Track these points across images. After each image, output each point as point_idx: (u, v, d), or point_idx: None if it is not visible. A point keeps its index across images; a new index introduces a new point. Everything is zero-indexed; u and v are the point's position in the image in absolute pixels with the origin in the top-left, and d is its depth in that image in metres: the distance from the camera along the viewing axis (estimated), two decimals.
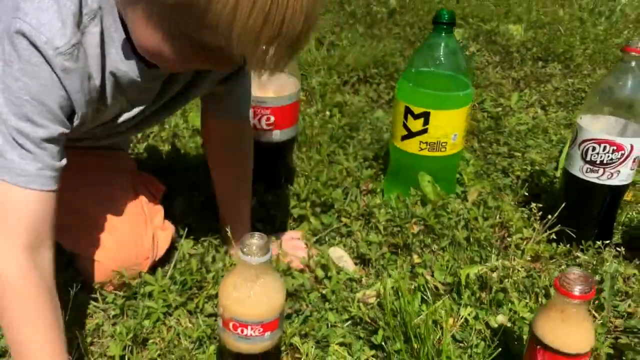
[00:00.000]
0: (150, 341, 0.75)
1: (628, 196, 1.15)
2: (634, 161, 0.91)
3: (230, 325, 0.68)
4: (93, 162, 0.87)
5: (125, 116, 0.74)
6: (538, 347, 0.63)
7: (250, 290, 0.67)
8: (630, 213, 1.09)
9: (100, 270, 0.82)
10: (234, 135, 0.87)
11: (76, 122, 0.66)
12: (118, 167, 0.92)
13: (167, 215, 0.91)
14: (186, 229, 0.93)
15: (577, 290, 0.59)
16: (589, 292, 0.59)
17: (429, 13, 2.69)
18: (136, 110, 0.74)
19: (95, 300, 0.82)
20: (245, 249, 0.65)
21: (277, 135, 1.04)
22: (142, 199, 0.88)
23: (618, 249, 0.95)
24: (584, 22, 2.76)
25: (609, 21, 2.83)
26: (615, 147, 0.89)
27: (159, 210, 0.90)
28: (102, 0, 0.62)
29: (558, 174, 1.22)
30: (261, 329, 0.68)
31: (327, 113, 1.53)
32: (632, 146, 0.89)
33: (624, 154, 0.90)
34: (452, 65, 0.99)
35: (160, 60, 0.62)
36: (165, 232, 0.88)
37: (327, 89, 1.69)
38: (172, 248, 0.89)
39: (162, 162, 1.18)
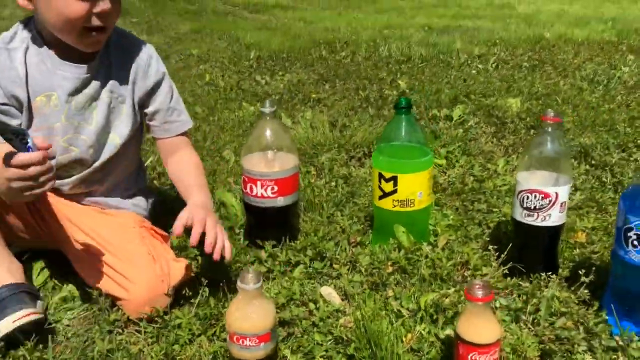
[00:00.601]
0: (178, 358, 0.99)
1: (581, 237, 1.35)
2: (561, 205, 1.13)
3: (234, 338, 0.92)
4: (102, 219, 1.17)
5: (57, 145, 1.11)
6: (458, 342, 0.85)
7: (247, 310, 0.91)
8: (577, 251, 1.29)
9: (131, 307, 1.08)
10: (174, 147, 1.27)
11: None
12: (125, 222, 1.20)
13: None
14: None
15: (479, 294, 0.81)
16: (488, 295, 0.81)
17: (437, 93, 2.99)
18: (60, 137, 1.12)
19: (139, 332, 1.07)
20: (242, 279, 0.90)
21: (281, 201, 1.31)
22: (148, 242, 1.15)
23: (560, 280, 1.15)
24: (583, 91, 3.00)
25: (607, 88, 3.05)
26: (543, 195, 1.12)
27: (167, 248, 1.18)
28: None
29: None
30: (257, 340, 0.91)
31: (333, 184, 1.80)
32: (556, 193, 1.11)
33: (551, 200, 1.12)
34: (412, 138, 1.25)
35: (66, 18, 1.02)
36: (179, 263, 1.14)
37: (335, 163, 1.97)
38: (193, 282, 1.15)
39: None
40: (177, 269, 1.15)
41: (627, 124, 2.28)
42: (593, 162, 1.92)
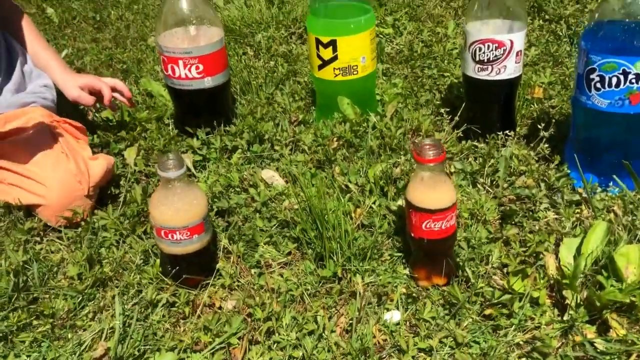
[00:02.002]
0: (105, 261, 0.89)
1: (539, 93, 1.26)
2: (517, 55, 1.02)
3: (162, 232, 0.81)
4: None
5: None
6: (410, 210, 0.76)
7: (172, 200, 0.79)
8: (535, 106, 1.20)
9: (48, 213, 0.95)
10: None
11: None
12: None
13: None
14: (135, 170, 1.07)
15: (429, 154, 0.71)
16: (439, 155, 0.71)
17: None
18: None
19: (60, 239, 0.95)
20: (161, 166, 0.78)
21: (209, 82, 1.16)
22: (61, 141, 1.00)
23: (518, 137, 1.06)
24: None
25: None
26: (497, 44, 1.00)
27: (83, 144, 1.04)
28: None
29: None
30: (188, 233, 0.81)
31: (272, 63, 1.64)
32: (511, 41, 1.00)
33: (505, 49, 1.00)
34: None
35: None
36: (98, 160, 1.01)
37: (273, 42, 1.80)
38: (118, 180, 1.04)
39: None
40: (96, 166, 1.01)
41: None
42: (547, 16, 1.80)
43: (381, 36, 1.79)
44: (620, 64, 0.84)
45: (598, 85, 0.87)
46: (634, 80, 0.84)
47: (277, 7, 2.14)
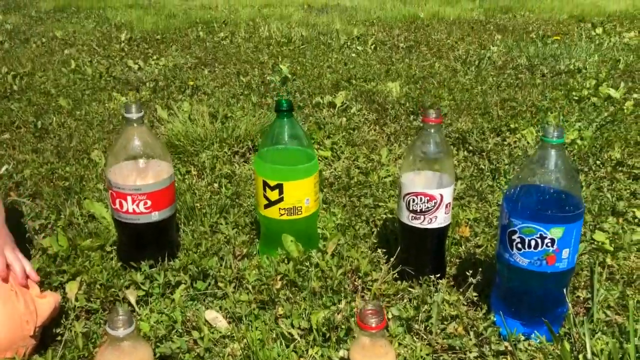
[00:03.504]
0: None
1: (464, 232, 1.36)
2: (446, 207, 1.12)
3: None
4: None
5: None
6: None
7: (120, 357, 0.80)
8: (462, 247, 1.30)
9: None
10: None
11: None
12: None
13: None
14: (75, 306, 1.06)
15: (372, 322, 0.77)
16: (380, 323, 0.77)
17: (319, 77, 2.95)
18: None
19: None
20: (111, 325, 0.79)
21: (156, 216, 1.19)
22: (11, 278, 0.99)
23: (449, 280, 1.14)
24: (457, 73, 3.10)
25: (479, 69, 3.18)
26: (428, 198, 1.10)
27: (31, 282, 1.02)
28: None
29: None
30: None
31: (216, 185, 1.70)
32: (441, 195, 1.10)
33: (436, 202, 1.10)
34: (296, 142, 1.18)
35: None
36: (46, 299, 1.00)
37: (217, 161, 1.86)
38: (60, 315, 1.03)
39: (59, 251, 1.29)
40: (44, 304, 1.00)
41: (499, 107, 2.38)
42: (470, 147, 1.98)
43: (320, 159, 1.89)
44: (537, 229, 0.95)
45: (519, 245, 0.97)
46: (549, 244, 0.95)
47: (220, 121, 2.22)
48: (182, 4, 6.49)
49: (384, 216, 1.46)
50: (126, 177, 1.17)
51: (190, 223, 1.41)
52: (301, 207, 1.18)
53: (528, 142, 1.98)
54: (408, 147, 1.11)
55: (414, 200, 1.11)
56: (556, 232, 0.95)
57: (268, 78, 2.98)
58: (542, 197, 0.96)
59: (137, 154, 1.18)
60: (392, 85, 2.76)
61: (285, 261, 1.18)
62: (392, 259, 1.18)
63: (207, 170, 1.78)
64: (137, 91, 2.82)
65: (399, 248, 1.18)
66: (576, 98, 2.53)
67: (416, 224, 1.13)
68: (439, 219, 1.12)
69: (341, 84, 2.84)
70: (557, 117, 2.23)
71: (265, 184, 1.17)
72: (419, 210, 1.11)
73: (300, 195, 1.17)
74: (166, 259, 1.20)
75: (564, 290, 1.01)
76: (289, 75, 2.99)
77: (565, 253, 0.96)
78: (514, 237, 0.98)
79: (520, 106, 2.38)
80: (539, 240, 0.95)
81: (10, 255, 1.02)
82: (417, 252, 1.17)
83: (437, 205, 1.11)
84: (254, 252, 1.28)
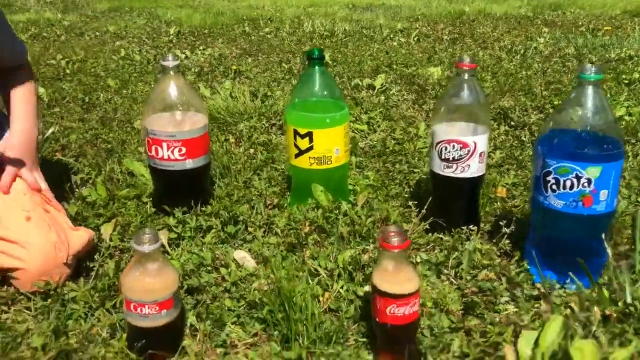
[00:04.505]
0: (71, 333, 0.89)
1: (501, 192, 1.33)
2: (480, 155, 1.09)
3: (132, 306, 0.82)
4: None
5: None
6: (375, 294, 0.79)
7: (144, 274, 0.81)
8: (498, 204, 1.27)
9: (25, 278, 0.96)
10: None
11: None
12: (14, 187, 1.07)
13: None
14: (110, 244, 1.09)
15: (393, 242, 0.76)
16: (403, 243, 0.76)
17: (359, 64, 2.95)
18: None
19: (28, 309, 0.95)
20: (137, 240, 0.81)
21: (190, 164, 1.21)
22: (42, 210, 1.03)
23: (482, 233, 1.12)
24: (501, 60, 3.04)
25: (524, 57, 3.11)
26: (461, 145, 1.08)
27: (63, 216, 1.07)
28: None
29: None
30: (157, 308, 0.82)
31: (252, 151, 1.71)
32: (475, 143, 1.08)
33: (469, 150, 1.08)
34: (327, 91, 1.18)
35: None
36: (78, 232, 1.03)
37: (254, 131, 1.88)
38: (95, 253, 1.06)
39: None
40: (76, 236, 1.04)
41: (543, 88, 2.32)
42: (512, 123, 1.93)
43: (356, 132, 1.88)
44: (573, 168, 0.91)
45: (554, 187, 0.94)
46: (585, 184, 0.91)
47: (260, 99, 2.25)
48: (230, 4, 6.62)
49: (418, 178, 1.44)
50: (162, 123, 1.19)
51: (225, 180, 1.43)
52: (331, 156, 1.18)
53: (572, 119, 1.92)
54: (441, 95, 1.10)
55: (446, 149, 1.09)
56: (593, 171, 0.91)
57: None
58: (578, 135, 0.93)
59: (173, 103, 1.20)
60: (434, 69, 2.73)
61: (315, 209, 1.18)
62: (423, 211, 1.16)
63: (245, 138, 1.80)
64: (182, 75, 2.88)
65: (429, 199, 1.16)
66: (626, 81, 2.44)
67: (448, 172, 1.11)
68: (472, 168, 1.10)
69: (381, 68, 2.83)
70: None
71: (295, 133, 1.18)
72: (451, 159, 1.09)
73: (330, 144, 1.17)
74: (199, 205, 1.22)
75: (603, 236, 0.97)
76: (330, 62, 3.00)
77: (603, 195, 0.93)
78: (548, 178, 0.95)
79: (565, 87, 2.31)
80: (575, 181, 0.92)
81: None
82: (449, 203, 1.15)
83: (470, 153, 1.08)
84: (285, 204, 1.28)
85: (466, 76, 1.08)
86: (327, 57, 3.06)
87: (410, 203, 1.21)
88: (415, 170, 1.51)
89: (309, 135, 1.16)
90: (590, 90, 0.92)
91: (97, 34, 4.42)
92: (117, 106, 2.19)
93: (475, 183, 1.13)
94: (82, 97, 2.32)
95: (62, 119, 2.03)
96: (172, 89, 1.20)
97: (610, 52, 3.13)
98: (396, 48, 3.46)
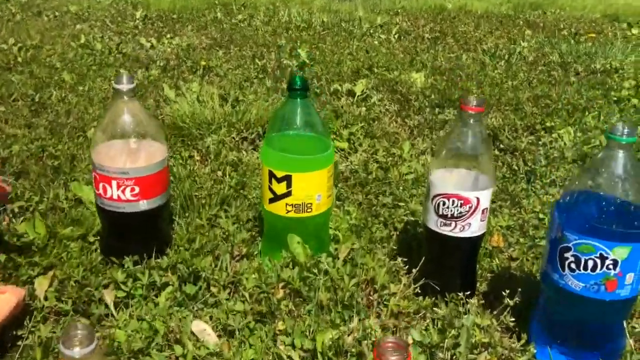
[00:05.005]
0: None
1: (498, 241, 1.19)
2: (483, 212, 0.95)
3: None
4: None
5: None
6: None
7: None
8: (497, 259, 1.13)
9: None
10: None
11: None
12: None
13: None
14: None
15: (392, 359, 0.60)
16: None
17: (338, 64, 2.78)
18: None
19: None
20: (65, 341, 0.63)
21: (144, 205, 1.03)
22: None
23: (479, 297, 0.98)
24: (485, 66, 2.91)
25: (509, 63, 2.98)
26: (462, 201, 0.93)
27: None
28: None
29: None
30: None
31: (219, 173, 1.54)
32: (477, 199, 0.93)
33: (471, 207, 0.93)
34: (310, 127, 1.01)
35: None
36: (5, 295, 0.86)
37: (223, 147, 1.70)
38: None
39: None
40: (2, 301, 0.86)
41: (532, 103, 2.19)
42: (502, 145, 1.80)
43: (336, 151, 1.72)
44: (597, 247, 0.78)
45: (573, 265, 0.80)
46: (611, 266, 0.78)
47: (230, 104, 2.06)
48: None
49: (405, 218, 1.29)
50: (112, 158, 1.01)
51: (187, 214, 1.25)
52: (311, 203, 1.02)
53: (565, 143, 1.80)
54: (441, 139, 0.94)
55: (444, 203, 0.94)
56: (621, 252, 0.77)
57: (285, 62, 2.81)
58: (605, 207, 0.79)
59: (126, 132, 1.02)
60: (417, 75, 2.58)
61: (290, 266, 1.02)
62: (414, 270, 1.01)
63: (212, 156, 1.63)
64: (146, 69, 2.67)
65: (422, 258, 1.01)
66: (615, 99, 2.33)
67: (446, 231, 0.96)
68: (473, 227, 0.95)
69: (362, 71, 2.66)
70: (596, 118, 2.03)
71: (271, 175, 1.01)
72: (449, 216, 0.94)
73: (311, 189, 1.01)
74: (153, 255, 1.04)
75: (623, 322, 0.84)
76: (307, 61, 2.83)
77: (629, 278, 0.79)
78: (566, 254, 0.80)
79: (554, 104, 2.19)
80: (598, 261, 0.78)
81: None
82: (444, 264, 1.00)
83: (472, 211, 0.94)
84: (255, 252, 1.12)
85: (471, 121, 0.92)
86: (303, 54, 2.88)
87: (398, 259, 1.06)
88: (401, 204, 1.36)
89: (287, 179, 1.00)
90: (620, 153, 0.78)
91: (57, 14, 4.13)
92: (70, 107, 1.98)
93: (475, 243, 0.99)
94: (33, 94, 2.09)
95: (6, 123, 1.81)
96: (126, 117, 1.01)
97: (596, 62, 3.03)
98: (377, 47, 3.30)
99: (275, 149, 1.01)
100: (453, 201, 0.93)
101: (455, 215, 0.94)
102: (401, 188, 1.47)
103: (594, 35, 3.85)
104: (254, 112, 1.95)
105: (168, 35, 3.48)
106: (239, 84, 2.40)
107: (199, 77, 2.50)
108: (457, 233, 0.95)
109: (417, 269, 1.00)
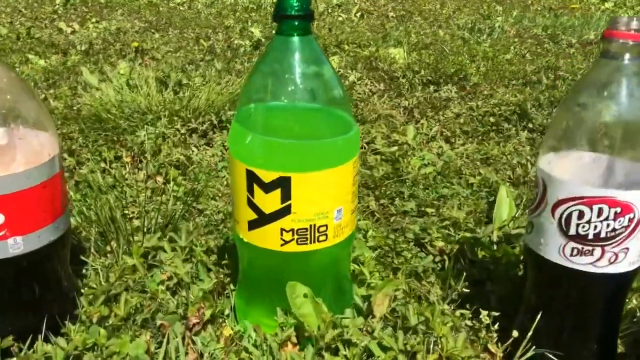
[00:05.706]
0: None
1: None
2: None
3: None
4: None
5: None
6: None
7: None
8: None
9: None
10: None
11: None
12: None
13: None
14: None
15: None
16: None
17: None
18: None
19: None
20: None
21: (17, 247, 0.55)
22: None
23: None
24: (467, 41, 2.54)
25: (492, 38, 2.63)
26: (620, 209, 0.50)
27: None
28: None
29: (495, 238, 0.83)
30: None
31: (159, 179, 1.07)
32: None
33: (632, 218, 0.50)
34: (318, 90, 0.56)
35: None
36: None
37: (164, 143, 1.23)
38: None
39: None
40: None
41: (544, 76, 1.81)
42: (530, 125, 1.40)
43: None
44: None
45: None
46: None
47: (172, 90, 1.59)
48: None
49: (444, 231, 0.86)
50: None
51: (108, 250, 0.78)
52: (326, 226, 0.56)
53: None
54: (562, 104, 0.51)
55: (581, 215, 0.51)
56: None
57: (236, 42, 2.35)
58: None
59: None
60: (396, 51, 2.17)
61: (294, 339, 0.56)
62: (514, 331, 0.57)
63: (148, 156, 1.15)
64: (63, 54, 2.15)
65: (520, 308, 0.58)
66: None
67: (581, 262, 0.53)
68: (632, 255, 0.52)
69: (330, 48, 2.23)
70: None
71: (252, 179, 0.55)
72: (592, 237, 0.51)
73: (326, 201, 0.55)
74: (39, 338, 0.57)
75: None
76: (263, 40, 2.37)
77: None
78: None
79: (570, 75, 1.82)
80: None
81: None
82: (572, 322, 0.57)
83: (633, 226, 0.51)
84: (226, 312, 0.65)
85: (627, 57, 0.49)
86: (257, 33, 2.42)
87: (483, 314, 0.61)
88: (428, 210, 0.93)
89: (283, 184, 0.54)
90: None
91: None
92: None
93: (627, 283, 0.56)
94: None
95: None
96: None
97: (589, 33, 2.70)
98: (339, 25, 2.87)
99: (257, 131, 0.55)
100: (601, 210, 0.50)
101: (602, 235, 0.51)
102: (421, 186, 1.04)
103: (576, 6, 3.56)
104: (204, 97, 1.48)
105: (93, 20, 2.94)
106: (181, 67, 1.92)
107: (130, 61, 2.00)
108: (604, 267, 0.52)
109: (515, 325, 0.56)
